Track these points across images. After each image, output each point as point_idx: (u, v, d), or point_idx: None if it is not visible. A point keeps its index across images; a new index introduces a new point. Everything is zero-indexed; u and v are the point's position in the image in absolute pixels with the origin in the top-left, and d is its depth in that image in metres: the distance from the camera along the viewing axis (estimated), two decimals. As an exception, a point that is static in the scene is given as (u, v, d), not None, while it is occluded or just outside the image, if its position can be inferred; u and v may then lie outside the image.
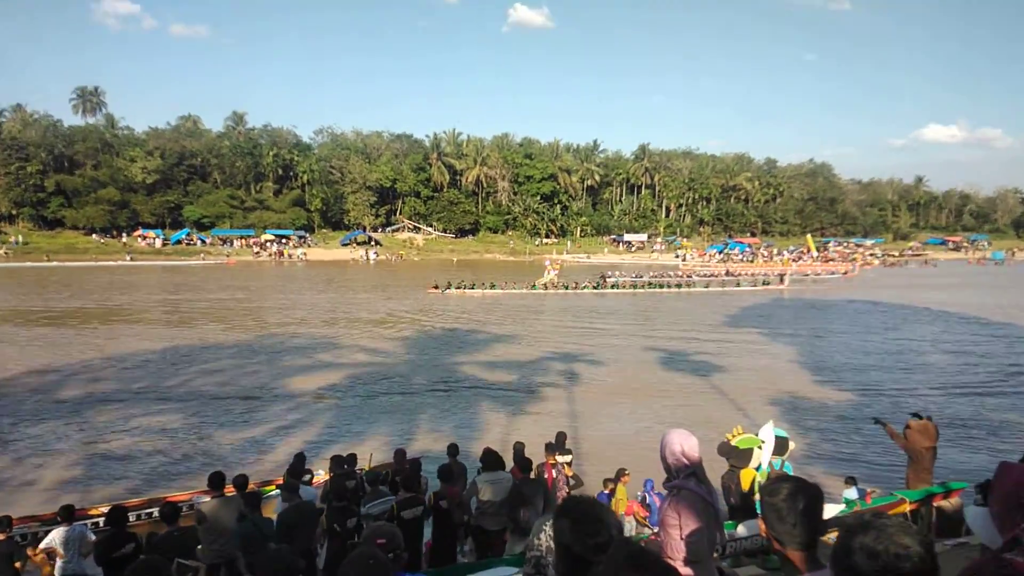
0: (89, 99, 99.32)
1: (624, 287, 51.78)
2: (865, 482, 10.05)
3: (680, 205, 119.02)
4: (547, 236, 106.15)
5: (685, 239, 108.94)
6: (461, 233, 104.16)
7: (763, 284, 54.61)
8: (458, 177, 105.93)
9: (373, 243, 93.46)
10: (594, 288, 50.20)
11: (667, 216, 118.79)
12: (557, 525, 2.23)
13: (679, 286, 53.04)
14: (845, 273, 69.71)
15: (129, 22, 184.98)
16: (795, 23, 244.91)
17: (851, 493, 9.24)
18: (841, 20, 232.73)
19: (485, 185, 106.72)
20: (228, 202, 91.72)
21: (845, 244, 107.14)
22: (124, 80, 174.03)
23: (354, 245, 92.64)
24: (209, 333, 28.40)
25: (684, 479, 3.44)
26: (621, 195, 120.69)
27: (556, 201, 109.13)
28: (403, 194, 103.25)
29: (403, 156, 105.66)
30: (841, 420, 15.78)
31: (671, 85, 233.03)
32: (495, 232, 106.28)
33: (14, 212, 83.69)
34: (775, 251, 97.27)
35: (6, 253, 72.39)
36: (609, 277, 56.14)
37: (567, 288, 49.36)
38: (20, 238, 77.87)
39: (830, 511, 7.62)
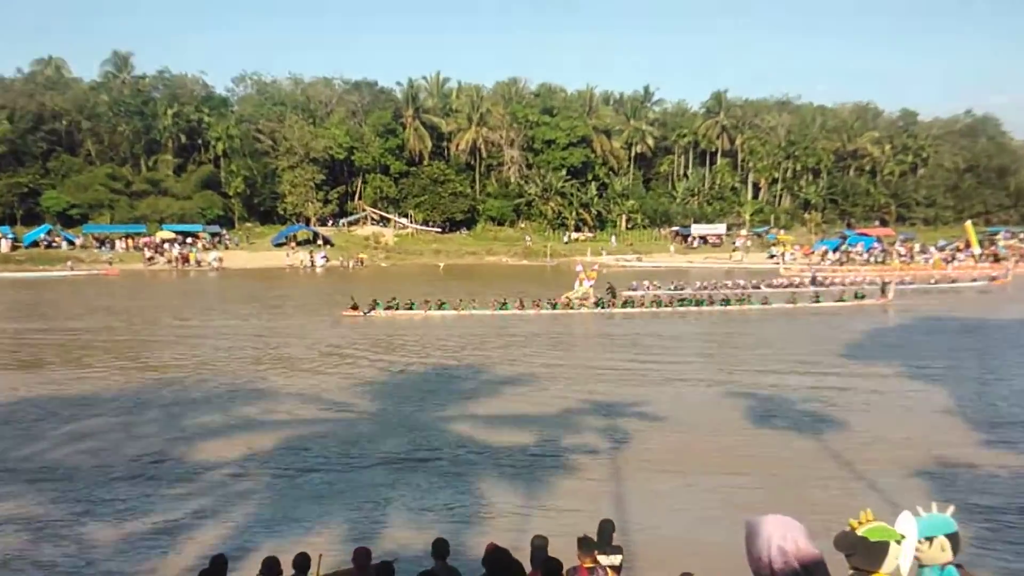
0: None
1: (642, 304, 52.10)
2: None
3: (774, 181, 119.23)
4: (577, 229, 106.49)
5: (783, 231, 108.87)
6: (451, 226, 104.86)
7: (857, 298, 54.45)
8: (445, 144, 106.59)
9: (321, 242, 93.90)
10: (598, 307, 50.61)
11: (755, 198, 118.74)
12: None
13: (726, 302, 52.99)
14: (994, 279, 69.58)
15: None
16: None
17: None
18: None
19: (485, 155, 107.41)
20: (108, 185, 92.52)
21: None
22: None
23: (292, 246, 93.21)
24: (75, 379, 28.46)
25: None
26: (686, 167, 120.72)
27: (590, 177, 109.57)
28: (365, 170, 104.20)
29: (363, 114, 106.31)
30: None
31: (756, 8, 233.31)
32: (500, 224, 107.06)
33: None
34: (916, 246, 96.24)
35: None
36: (634, 290, 56.65)
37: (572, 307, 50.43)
38: None
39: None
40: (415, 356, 33.31)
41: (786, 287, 60.70)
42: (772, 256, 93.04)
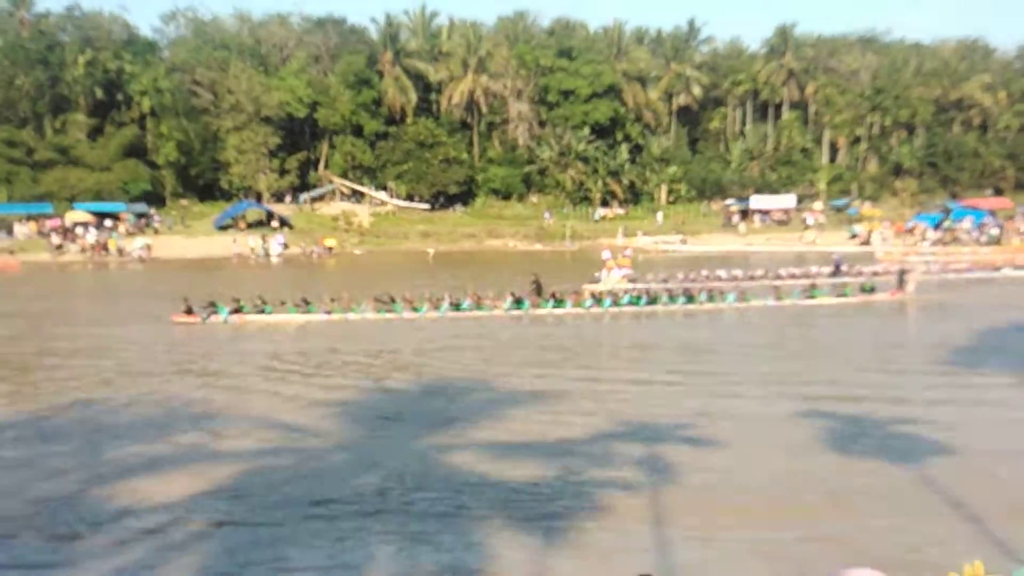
0: None
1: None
2: None
3: (856, 140, 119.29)
4: (604, 203, 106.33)
5: (868, 203, 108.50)
6: (443, 201, 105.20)
7: (864, 292, 53.56)
8: (434, 97, 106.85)
9: (277, 224, 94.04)
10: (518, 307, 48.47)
11: (833, 161, 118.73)
12: None
13: (711, 299, 51.40)
14: None
15: None
16: None
17: None
18: None
19: (485, 110, 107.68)
20: (3, 153, 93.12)
21: None
22: None
23: (240, 228, 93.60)
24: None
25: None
26: (744, 123, 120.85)
27: (620, 138, 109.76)
28: (331, 131, 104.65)
29: (330, 60, 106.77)
30: None
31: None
32: (506, 198, 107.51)
33: None
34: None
35: None
36: (596, 281, 55.42)
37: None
38: None
39: None
40: (406, 366, 33.35)
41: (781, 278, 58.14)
42: (855, 235, 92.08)
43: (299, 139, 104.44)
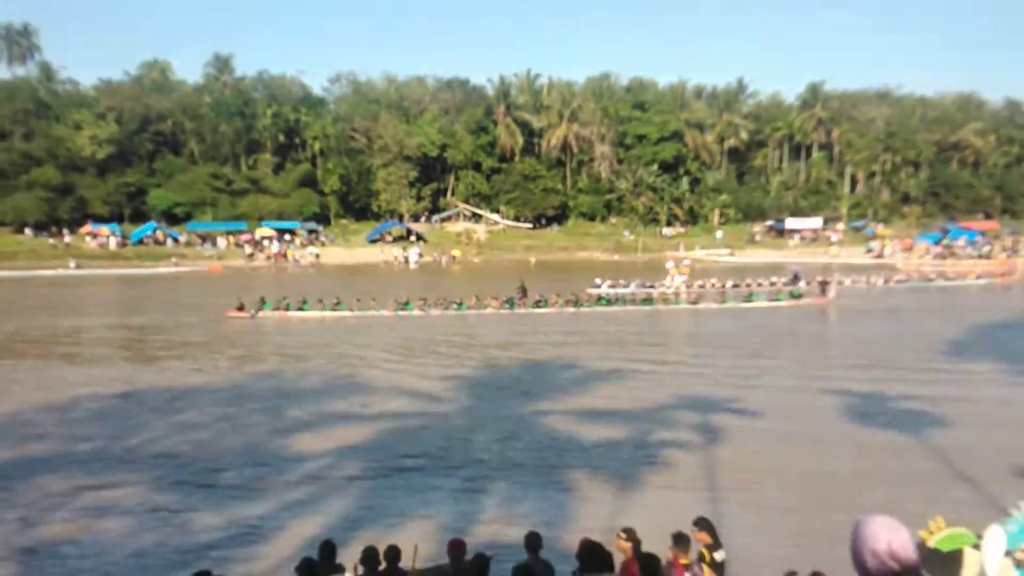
0: (16, 41, 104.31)
1: (556, 304, 48.21)
2: None
3: (872, 174, 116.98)
4: (669, 223, 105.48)
5: (882, 224, 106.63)
6: (543, 222, 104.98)
7: (793, 297, 51.63)
8: (536, 140, 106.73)
9: (414, 238, 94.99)
10: (507, 306, 47.60)
11: (852, 191, 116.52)
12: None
13: (649, 301, 50.97)
14: (1003, 276, 65.89)
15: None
16: None
17: None
18: None
19: (576, 151, 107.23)
20: (210, 184, 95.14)
21: None
22: (64, 15, 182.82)
23: (386, 241, 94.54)
24: (181, 372, 29.31)
25: (895, 591, 3.33)
26: (781, 161, 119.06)
27: (683, 172, 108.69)
28: (456, 167, 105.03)
29: (456, 112, 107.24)
30: None
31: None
32: (592, 219, 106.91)
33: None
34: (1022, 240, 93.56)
35: None
36: (597, 287, 54.78)
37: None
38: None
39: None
40: (515, 351, 33.57)
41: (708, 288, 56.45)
42: (870, 251, 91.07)
43: (432, 172, 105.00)
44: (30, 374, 28.98)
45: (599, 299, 50.69)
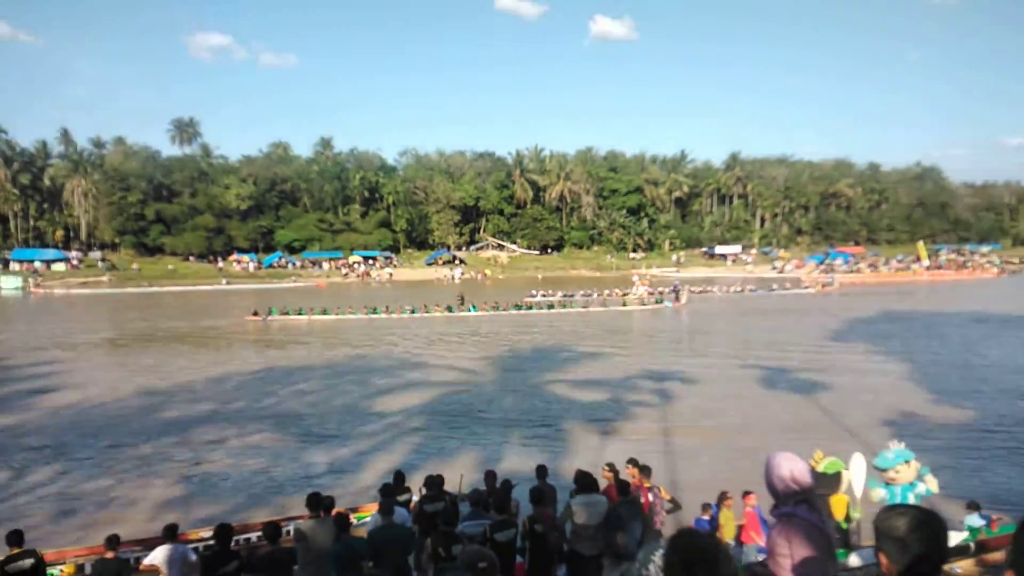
0: (185, 130, 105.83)
1: (495, 308, 46.42)
2: (990, 508, 9.39)
3: (776, 215, 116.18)
4: (634, 250, 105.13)
5: (783, 250, 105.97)
6: (546, 249, 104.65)
7: (657, 303, 50.00)
8: (542, 193, 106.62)
9: (457, 262, 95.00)
10: (449, 311, 45.20)
11: (762, 226, 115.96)
12: (668, 561, 2.19)
13: (551, 306, 49.33)
14: (823, 287, 64.49)
15: (221, 54, 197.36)
16: (894, 19, 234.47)
17: (974, 520, 8.67)
18: (946, 14, 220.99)
19: (569, 200, 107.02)
20: (317, 225, 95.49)
21: (959, 251, 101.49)
22: (218, 110, 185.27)
23: (439, 264, 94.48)
24: (296, 355, 29.49)
25: (795, 506, 3.32)
26: (712, 206, 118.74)
27: (643, 214, 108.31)
28: (487, 212, 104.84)
29: (486, 174, 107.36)
30: (960, 435, 14.85)
31: (762, 91, 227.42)
32: (580, 248, 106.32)
33: (116, 240, 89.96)
34: (882, 260, 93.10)
35: (109, 279, 77.68)
36: (532, 296, 52.67)
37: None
38: (136, 266, 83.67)
39: (953, 539, 7.16)
40: (534, 337, 33.57)
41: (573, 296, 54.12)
42: (775, 267, 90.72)
43: (469, 216, 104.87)
44: (191, 356, 29.25)
45: (531, 305, 48.97)
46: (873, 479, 7.59)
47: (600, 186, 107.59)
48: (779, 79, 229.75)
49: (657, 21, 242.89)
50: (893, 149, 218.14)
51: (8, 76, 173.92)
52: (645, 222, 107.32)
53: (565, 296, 54.33)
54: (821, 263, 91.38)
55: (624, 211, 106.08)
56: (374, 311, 43.93)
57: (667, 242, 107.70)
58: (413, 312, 44.52)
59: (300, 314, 43.41)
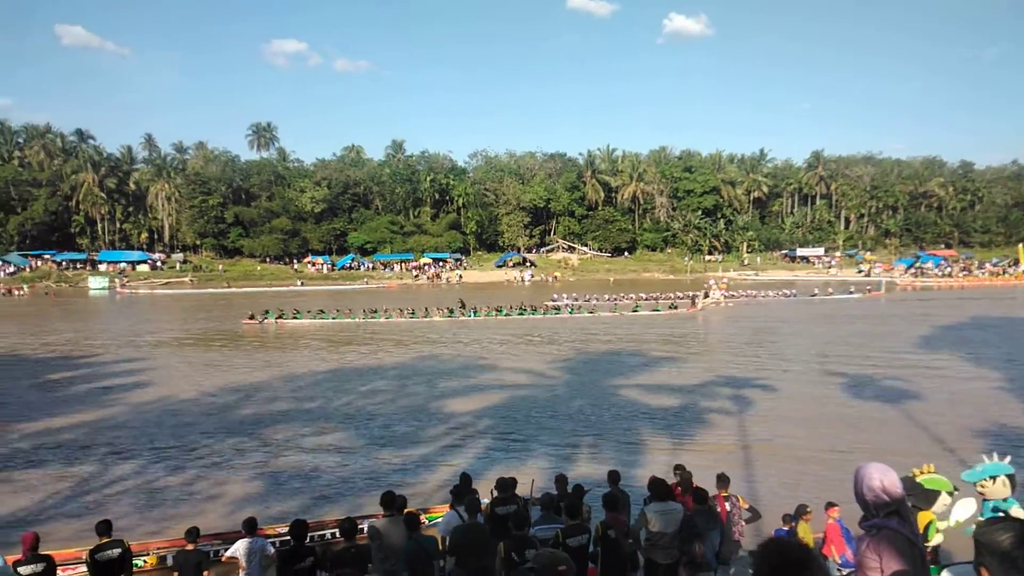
0: (263, 135, 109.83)
1: (486, 311, 45.60)
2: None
3: (861, 215, 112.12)
4: (710, 252, 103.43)
5: (869, 252, 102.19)
6: (617, 252, 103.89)
7: (671, 308, 48.68)
8: (613, 194, 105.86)
9: (527, 264, 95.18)
10: (450, 314, 44.96)
11: (846, 228, 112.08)
12: (757, 569, 2.15)
13: (556, 311, 47.64)
14: (871, 292, 60.41)
15: (297, 60, 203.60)
16: (986, 11, 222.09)
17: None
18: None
19: (642, 201, 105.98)
20: (389, 228, 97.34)
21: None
22: (293, 115, 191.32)
23: (508, 266, 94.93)
24: (366, 356, 30.02)
25: (885, 518, 3.21)
26: (793, 207, 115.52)
27: (719, 215, 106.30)
28: (557, 214, 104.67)
29: (557, 176, 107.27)
30: None
31: (845, 88, 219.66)
32: (653, 250, 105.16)
33: (198, 242, 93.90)
34: (975, 263, 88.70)
35: (191, 280, 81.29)
36: (555, 301, 51.50)
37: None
38: (222, 267, 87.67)
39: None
40: (600, 343, 33.30)
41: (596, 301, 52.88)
42: (860, 271, 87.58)
43: (539, 218, 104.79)
44: (265, 355, 30.27)
45: (556, 309, 48.48)
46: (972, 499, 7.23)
47: (674, 187, 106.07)
48: (864, 74, 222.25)
49: (733, 17, 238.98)
50: (987, 147, 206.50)
51: (97, 85, 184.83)
52: (721, 223, 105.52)
53: (589, 300, 53.50)
54: (910, 266, 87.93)
55: (699, 212, 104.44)
56: (374, 314, 43.65)
57: (744, 244, 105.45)
58: (413, 315, 44.16)
59: (297, 317, 43.08)
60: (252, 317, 42.16)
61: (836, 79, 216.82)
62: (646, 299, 53.51)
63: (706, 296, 53.56)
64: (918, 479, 6.44)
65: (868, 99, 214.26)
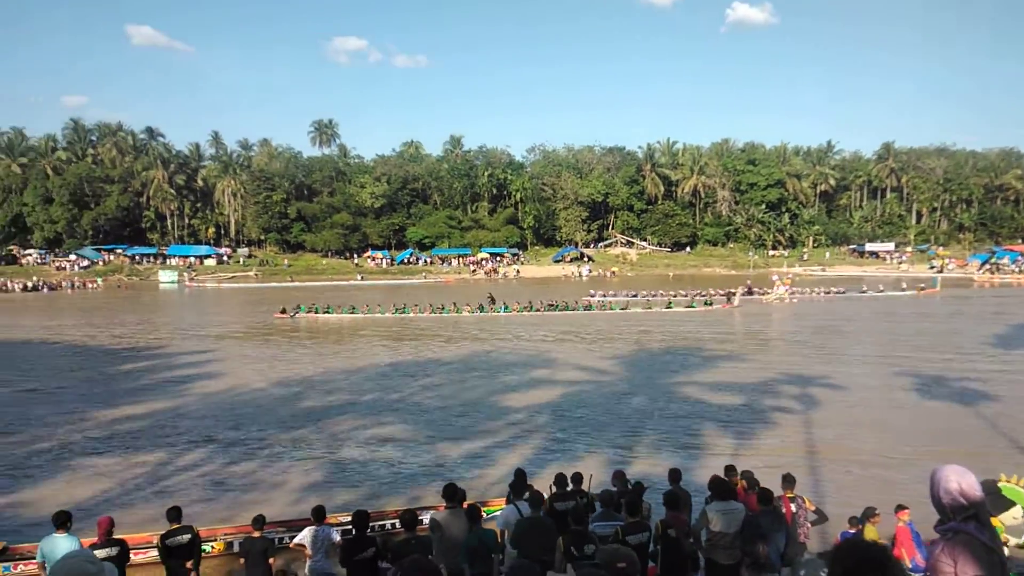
0: (324, 131, 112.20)
1: (519, 308, 44.98)
2: None
3: (934, 209, 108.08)
4: (774, 247, 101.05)
5: (941, 247, 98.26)
6: (677, 246, 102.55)
7: (706, 305, 46.95)
8: (673, 188, 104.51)
9: (585, 259, 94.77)
10: (480, 310, 44.58)
11: (918, 222, 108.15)
12: (832, 571, 2.11)
13: (587, 307, 46.39)
14: (923, 290, 56.68)
15: (357, 57, 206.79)
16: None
17: None
18: None
19: (703, 195, 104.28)
20: (447, 223, 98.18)
21: None
22: (354, 111, 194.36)
23: (566, 261, 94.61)
24: (428, 349, 30.32)
25: (962, 522, 3.11)
26: (861, 200, 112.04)
27: (784, 209, 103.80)
28: (615, 208, 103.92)
29: (615, 169, 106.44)
30: None
31: (916, 76, 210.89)
32: (714, 244, 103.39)
33: (262, 237, 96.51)
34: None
35: (256, 274, 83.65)
36: (592, 296, 50.75)
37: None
38: (287, 262, 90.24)
39: None
40: (657, 338, 32.96)
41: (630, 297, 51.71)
42: (932, 267, 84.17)
43: (598, 212, 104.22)
44: (331, 348, 30.95)
45: (590, 305, 47.44)
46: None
47: (737, 180, 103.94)
48: (935, 62, 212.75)
49: (799, 4, 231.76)
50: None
51: (166, 83, 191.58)
52: (786, 217, 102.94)
53: (629, 296, 52.70)
54: (986, 262, 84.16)
55: (763, 206, 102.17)
56: (403, 310, 43.82)
57: (811, 238, 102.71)
58: (443, 311, 44.07)
59: (328, 312, 43.83)
60: (284, 311, 43.14)
61: (906, 66, 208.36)
62: (684, 295, 52.48)
63: (768, 292, 52.56)
64: (1000, 484, 6.22)
65: (942, 86, 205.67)
